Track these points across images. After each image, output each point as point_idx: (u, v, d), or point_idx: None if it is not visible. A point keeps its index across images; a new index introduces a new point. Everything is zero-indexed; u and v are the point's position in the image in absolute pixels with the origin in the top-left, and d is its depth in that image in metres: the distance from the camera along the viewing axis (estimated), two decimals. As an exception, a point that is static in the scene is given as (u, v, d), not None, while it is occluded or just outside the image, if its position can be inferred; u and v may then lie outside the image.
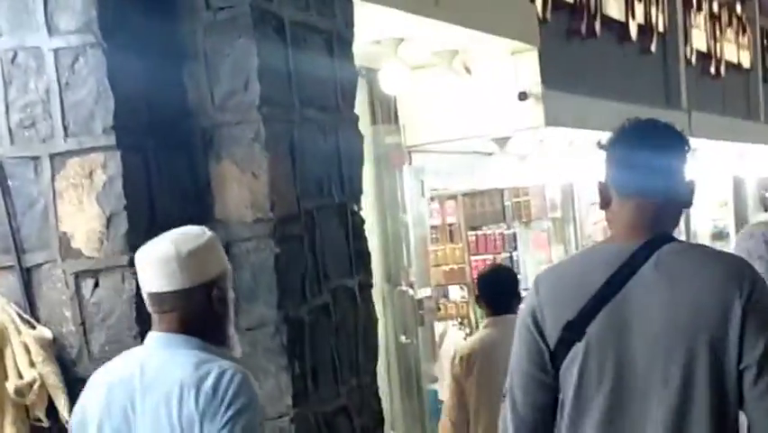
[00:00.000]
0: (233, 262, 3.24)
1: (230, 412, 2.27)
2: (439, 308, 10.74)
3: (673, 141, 2.47)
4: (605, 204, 2.47)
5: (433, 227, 10.78)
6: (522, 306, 2.68)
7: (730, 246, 13.70)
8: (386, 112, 6.83)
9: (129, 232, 3.01)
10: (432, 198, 10.69)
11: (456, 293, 10.68)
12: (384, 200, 6.87)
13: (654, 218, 2.41)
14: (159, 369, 2.34)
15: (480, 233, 10.47)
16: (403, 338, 6.88)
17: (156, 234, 2.60)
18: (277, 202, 3.25)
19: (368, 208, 6.75)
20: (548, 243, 10.08)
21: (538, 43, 6.48)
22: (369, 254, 3.97)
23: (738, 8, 12.75)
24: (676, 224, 2.48)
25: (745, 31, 13.00)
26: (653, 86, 9.46)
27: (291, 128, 3.39)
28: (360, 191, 3.93)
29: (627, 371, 2.32)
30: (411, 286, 6.96)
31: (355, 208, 3.89)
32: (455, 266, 10.64)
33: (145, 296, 2.46)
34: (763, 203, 17.54)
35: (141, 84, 3.13)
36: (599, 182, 2.48)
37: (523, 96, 6.27)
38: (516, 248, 10.23)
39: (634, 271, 2.34)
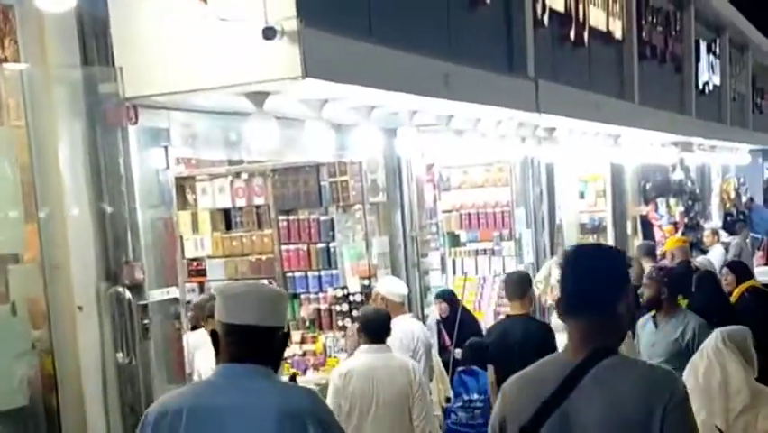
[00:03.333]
0: None
1: None
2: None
3: (612, 265, 2.97)
4: (561, 317, 3.00)
5: (238, 209, 9.14)
6: (494, 409, 3.14)
7: (609, 239, 12.30)
8: (102, 51, 5.09)
9: None
10: (237, 174, 9.03)
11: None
12: (101, 171, 5.13)
13: (593, 335, 2.92)
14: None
15: (292, 217, 8.82)
16: (120, 356, 5.17)
17: None
18: None
19: (78, 180, 5.04)
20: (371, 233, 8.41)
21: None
22: None
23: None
24: (620, 330, 3.01)
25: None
26: (488, 42, 7.75)
27: None
28: None
29: None
30: (136, 286, 5.24)
31: None
32: (263, 256, 8.99)
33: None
34: (644, 194, 16.14)
35: None
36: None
37: (270, 33, 4.56)
38: (333, 238, 8.62)
39: (575, 385, 2.88)
